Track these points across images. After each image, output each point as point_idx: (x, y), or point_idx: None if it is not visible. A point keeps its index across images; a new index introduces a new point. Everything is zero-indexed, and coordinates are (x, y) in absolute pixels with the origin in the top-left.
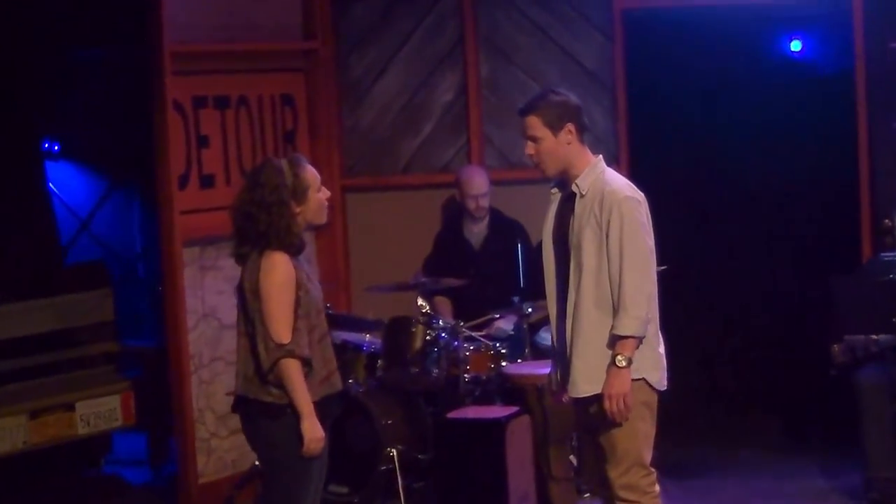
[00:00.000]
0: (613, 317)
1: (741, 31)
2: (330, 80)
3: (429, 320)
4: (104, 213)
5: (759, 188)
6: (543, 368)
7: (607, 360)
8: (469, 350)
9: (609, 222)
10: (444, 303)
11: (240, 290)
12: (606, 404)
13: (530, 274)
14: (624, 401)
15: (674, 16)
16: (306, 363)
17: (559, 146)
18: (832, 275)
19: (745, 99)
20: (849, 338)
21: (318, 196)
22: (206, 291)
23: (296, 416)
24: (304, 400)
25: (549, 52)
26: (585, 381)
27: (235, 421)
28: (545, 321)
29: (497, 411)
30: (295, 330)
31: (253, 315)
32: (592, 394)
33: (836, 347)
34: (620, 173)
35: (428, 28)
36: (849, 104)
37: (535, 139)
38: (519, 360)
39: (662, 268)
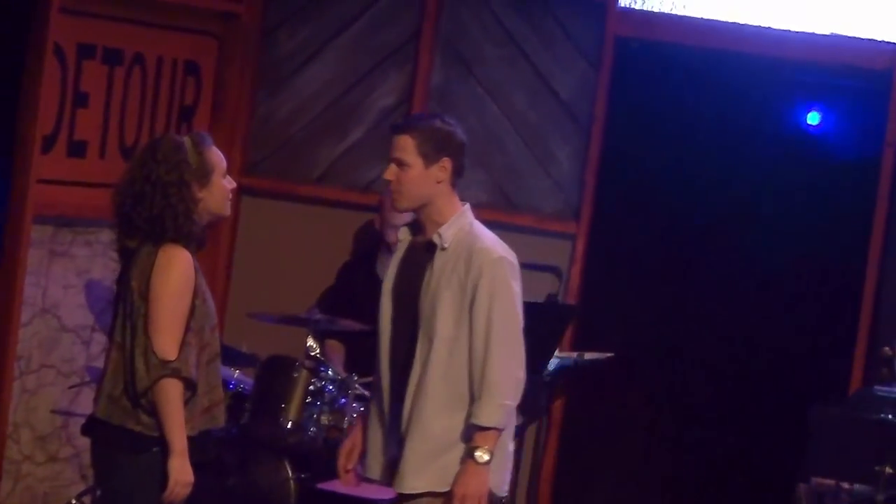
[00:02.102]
0: (470, 402)
1: (752, 88)
2: (248, 54)
3: (316, 367)
4: None
5: (743, 280)
6: None
7: (449, 453)
8: (358, 412)
9: (477, 287)
10: (337, 349)
11: (121, 290)
12: None
13: None
14: None
15: (675, 54)
16: (189, 386)
17: (426, 180)
18: (813, 403)
19: (743, 170)
20: (817, 481)
21: (223, 183)
22: (50, 282)
23: (164, 453)
24: (179, 432)
25: (519, 71)
26: (416, 474)
27: (56, 446)
28: None
29: (378, 491)
30: (184, 345)
31: (136, 322)
32: (425, 491)
33: (801, 487)
34: (580, 231)
35: (378, 14)
36: (868, 199)
37: (401, 164)
38: None
39: (608, 355)
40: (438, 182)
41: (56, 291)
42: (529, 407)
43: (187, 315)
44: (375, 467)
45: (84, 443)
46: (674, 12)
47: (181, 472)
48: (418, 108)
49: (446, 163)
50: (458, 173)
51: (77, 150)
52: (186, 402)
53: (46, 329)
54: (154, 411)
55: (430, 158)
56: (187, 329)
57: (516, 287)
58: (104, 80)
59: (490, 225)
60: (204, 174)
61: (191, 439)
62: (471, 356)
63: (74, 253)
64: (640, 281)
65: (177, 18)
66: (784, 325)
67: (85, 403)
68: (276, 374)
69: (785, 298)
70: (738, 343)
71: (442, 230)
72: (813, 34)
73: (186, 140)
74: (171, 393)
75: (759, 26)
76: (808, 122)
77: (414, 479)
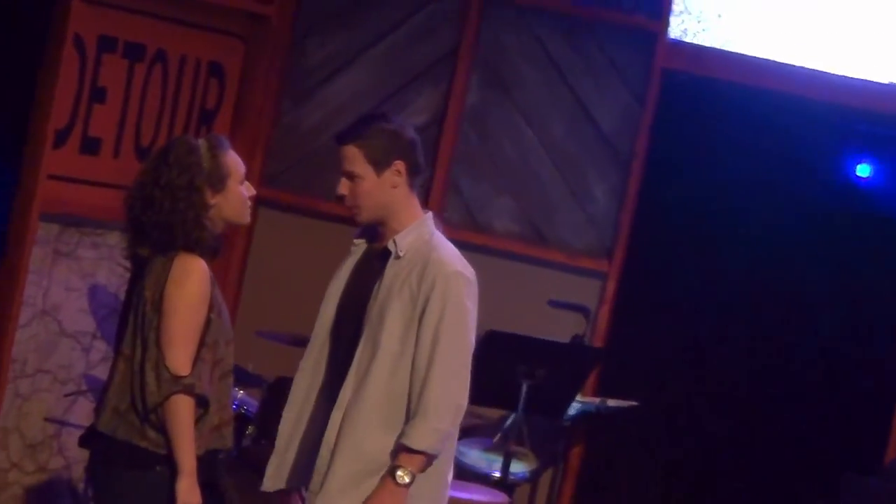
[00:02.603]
0: (406, 420)
1: (802, 133)
2: (276, 59)
3: None
4: None
5: (779, 335)
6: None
7: (380, 475)
8: None
9: (428, 300)
10: None
11: (133, 300)
12: None
13: None
14: None
15: (725, 92)
16: (202, 403)
17: (381, 189)
18: (846, 470)
19: (786, 218)
20: None
21: (241, 189)
22: (52, 283)
23: (171, 471)
24: (189, 451)
25: (559, 97)
26: (343, 493)
27: (47, 455)
28: (468, 429)
29: None
30: (198, 360)
31: (148, 334)
32: None
33: None
34: (611, 270)
35: (415, 27)
36: None
37: (351, 176)
38: None
39: (632, 403)
40: (394, 187)
41: (58, 293)
42: (545, 451)
43: (202, 329)
44: (283, 475)
45: (77, 455)
46: (725, 48)
47: (189, 493)
48: (450, 129)
49: (399, 165)
50: (413, 173)
51: (91, 147)
52: (197, 421)
53: (45, 332)
54: (163, 428)
55: (380, 165)
56: (201, 343)
57: (471, 306)
58: (123, 76)
59: (518, 258)
60: (218, 179)
61: (198, 459)
62: (412, 371)
63: (80, 254)
64: (670, 327)
65: (203, 17)
66: (820, 385)
67: (80, 413)
68: (282, 397)
69: (822, 355)
70: (771, 401)
71: (398, 237)
72: (870, 81)
73: (202, 143)
74: (183, 410)
75: (814, 69)
76: (858, 173)
77: (340, 498)
